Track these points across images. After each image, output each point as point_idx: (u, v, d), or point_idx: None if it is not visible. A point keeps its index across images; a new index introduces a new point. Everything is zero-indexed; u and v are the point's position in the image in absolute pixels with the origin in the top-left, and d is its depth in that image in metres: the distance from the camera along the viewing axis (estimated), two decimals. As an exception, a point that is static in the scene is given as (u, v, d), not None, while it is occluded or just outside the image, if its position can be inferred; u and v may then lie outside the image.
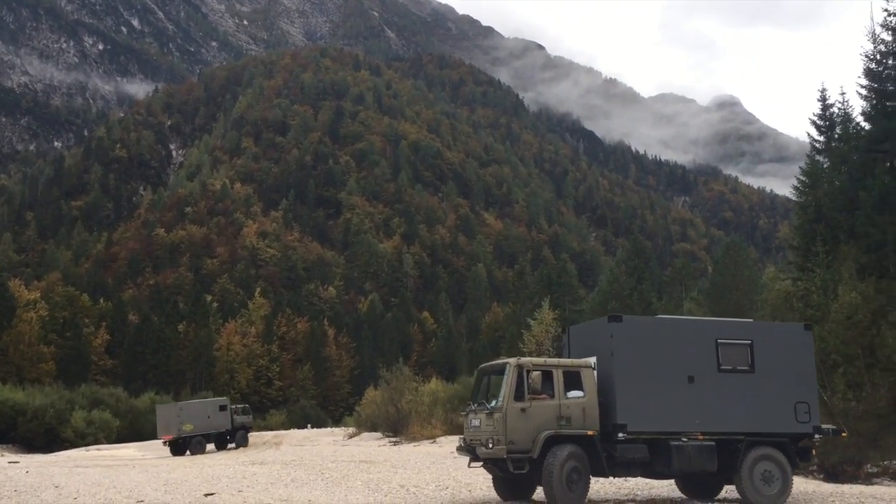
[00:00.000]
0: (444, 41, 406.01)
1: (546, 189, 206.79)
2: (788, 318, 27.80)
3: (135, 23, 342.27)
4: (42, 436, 59.47)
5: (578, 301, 69.61)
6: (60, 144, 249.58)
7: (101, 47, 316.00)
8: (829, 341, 23.25)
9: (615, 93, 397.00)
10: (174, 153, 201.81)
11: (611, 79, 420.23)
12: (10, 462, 35.54)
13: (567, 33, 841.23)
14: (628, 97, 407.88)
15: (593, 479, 15.71)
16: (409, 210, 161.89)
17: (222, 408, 47.70)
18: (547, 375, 15.19)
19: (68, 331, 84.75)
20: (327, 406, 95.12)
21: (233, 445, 47.15)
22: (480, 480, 19.18)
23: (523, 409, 14.80)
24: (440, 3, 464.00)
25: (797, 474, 22.09)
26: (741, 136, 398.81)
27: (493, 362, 16.54)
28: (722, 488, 16.82)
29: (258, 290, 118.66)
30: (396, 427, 43.68)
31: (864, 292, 24.26)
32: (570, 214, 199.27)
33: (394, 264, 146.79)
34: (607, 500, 16.17)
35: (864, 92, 30.36)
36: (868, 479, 21.09)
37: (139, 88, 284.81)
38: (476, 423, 15.64)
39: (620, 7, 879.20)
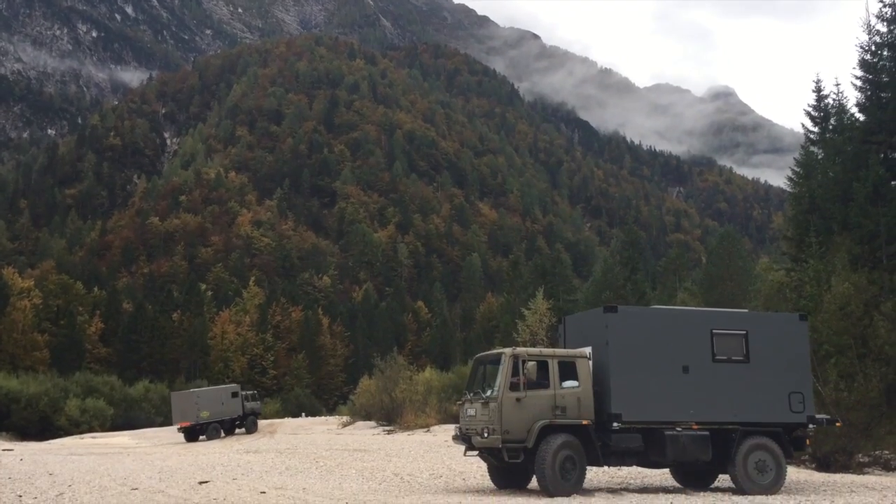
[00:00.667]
0: (440, 30, 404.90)
1: (541, 179, 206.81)
2: (781, 309, 27.91)
3: (129, 10, 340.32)
4: (36, 423, 59.43)
5: (573, 291, 69.62)
6: (54, 132, 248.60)
7: (94, 34, 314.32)
8: (821, 332, 23.35)
9: (610, 83, 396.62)
10: (168, 141, 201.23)
11: (606, 69, 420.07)
12: (4, 450, 35.53)
13: (562, 23, 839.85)
14: (623, 87, 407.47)
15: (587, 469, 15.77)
16: (404, 199, 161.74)
17: (234, 394, 48.66)
18: (542, 365, 15.26)
19: (62, 319, 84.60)
20: (321, 395, 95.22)
21: (241, 430, 47.84)
22: (474, 469, 19.27)
23: (518, 399, 14.87)
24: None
25: (789, 464, 22.25)
26: (736, 126, 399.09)
27: (489, 352, 16.61)
28: (716, 478, 16.91)
29: (252, 278, 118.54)
30: (390, 416, 43.77)
31: (856, 283, 24.37)
32: (565, 204, 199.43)
33: (388, 254, 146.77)
34: (600, 489, 16.25)
35: (858, 83, 30.42)
36: (859, 469, 21.22)
37: (133, 76, 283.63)
38: (472, 412, 15.71)
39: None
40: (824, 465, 21.35)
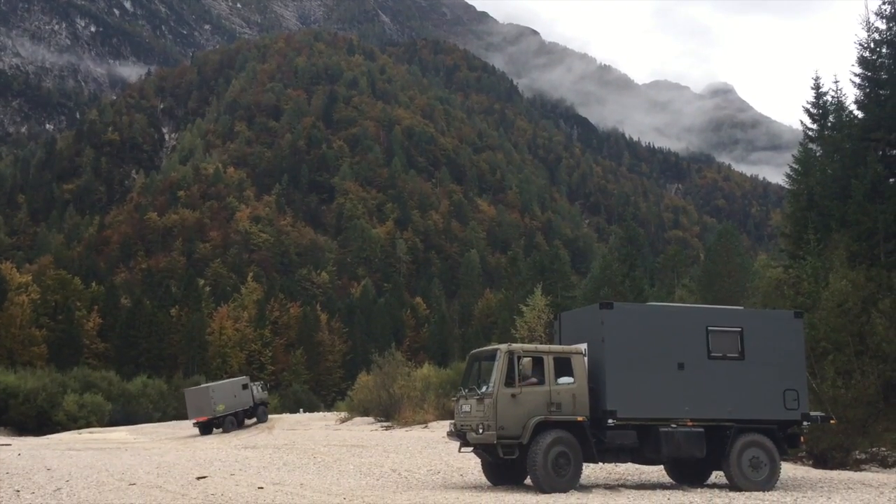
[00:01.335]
0: (439, 26, 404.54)
1: (539, 175, 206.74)
2: (779, 306, 27.93)
3: (127, 5, 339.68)
4: (34, 419, 59.38)
5: (571, 288, 69.72)
6: (52, 127, 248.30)
7: (93, 29, 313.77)
8: (819, 329, 23.37)
9: (609, 79, 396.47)
10: (167, 137, 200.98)
11: (605, 65, 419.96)
12: (2, 445, 35.53)
13: (561, 19, 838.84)
14: (622, 84, 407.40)
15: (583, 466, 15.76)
16: (403, 195, 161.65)
17: (244, 386, 49.48)
18: (537, 362, 15.28)
19: (60, 314, 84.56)
20: (319, 391, 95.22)
21: (253, 421, 48.53)
22: (472, 465, 19.28)
23: (514, 395, 14.87)
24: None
25: (786, 461, 22.27)
26: (735, 123, 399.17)
27: (485, 348, 16.62)
28: (710, 474, 16.93)
29: (251, 274, 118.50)
30: (388, 412, 43.75)
31: (854, 280, 24.38)
32: (564, 201, 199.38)
33: (387, 250, 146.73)
34: (598, 485, 16.27)
35: (857, 80, 30.42)
36: (856, 466, 21.26)
37: (132, 71, 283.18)
38: (467, 408, 15.70)
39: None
40: (821, 462, 21.38)
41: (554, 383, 15.16)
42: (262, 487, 16.14)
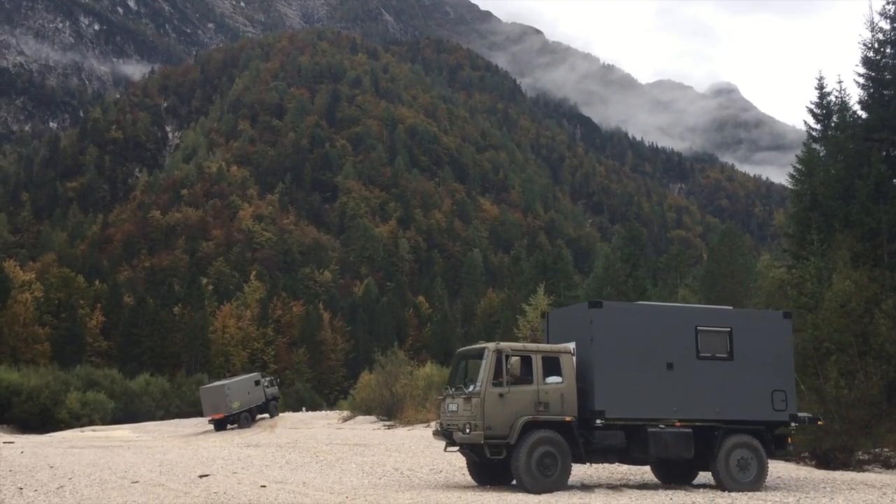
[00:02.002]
0: (442, 25, 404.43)
1: (542, 175, 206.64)
2: (782, 306, 27.88)
3: (131, 3, 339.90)
4: (37, 416, 59.48)
5: (573, 287, 69.56)
6: (56, 125, 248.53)
7: (97, 28, 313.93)
8: (822, 329, 23.31)
9: (612, 79, 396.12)
10: (170, 135, 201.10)
11: (608, 65, 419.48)
12: (4, 442, 35.58)
13: (564, 18, 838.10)
14: (625, 83, 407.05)
15: (585, 465, 15.74)
16: (405, 194, 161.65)
17: (257, 382, 50.50)
18: (526, 361, 15.11)
19: (63, 312, 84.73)
20: (322, 389, 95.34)
21: (265, 416, 49.52)
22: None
23: (501, 395, 14.71)
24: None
25: (788, 461, 22.24)
26: (738, 123, 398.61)
27: (472, 346, 16.42)
28: (696, 475, 16.83)
29: (254, 273, 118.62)
30: (391, 411, 43.79)
31: (857, 281, 24.32)
32: (567, 200, 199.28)
33: (389, 248, 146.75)
34: (600, 485, 16.26)
35: (861, 80, 30.34)
36: (859, 466, 21.23)
37: (135, 70, 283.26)
38: (453, 407, 15.54)
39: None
40: (824, 463, 21.36)
41: (542, 383, 15.01)
42: (264, 486, 16.16)
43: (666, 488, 15.96)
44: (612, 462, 16.11)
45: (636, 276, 57.17)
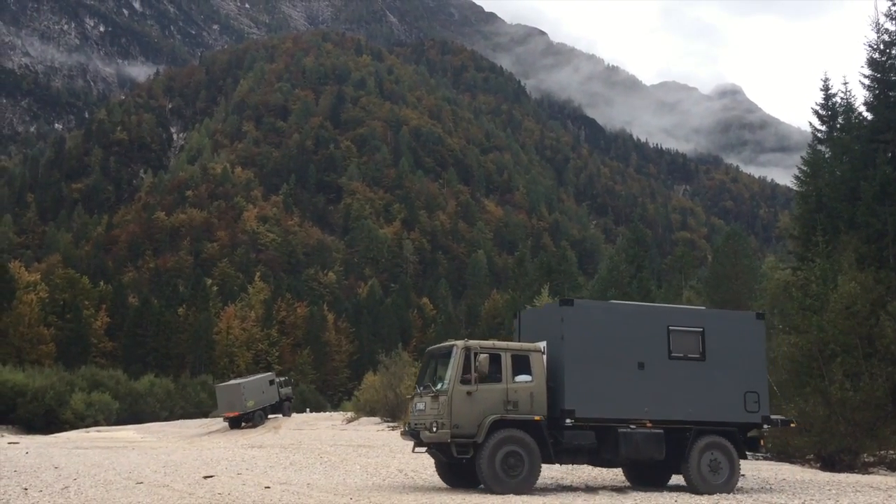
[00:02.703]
0: (447, 27, 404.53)
1: (547, 176, 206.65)
2: (787, 308, 27.85)
3: (136, 5, 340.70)
4: (42, 417, 59.63)
5: (578, 288, 69.55)
6: (61, 126, 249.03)
7: (102, 29, 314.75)
8: (827, 331, 23.25)
9: (617, 80, 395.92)
10: (175, 136, 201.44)
11: (612, 66, 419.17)
12: (9, 443, 35.66)
13: (568, 19, 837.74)
14: (630, 85, 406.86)
15: (591, 468, 15.63)
16: (410, 196, 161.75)
17: (271, 382, 51.22)
18: (495, 359, 14.88)
19: (68, 313, 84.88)
20: (326, 390, 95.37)
21: (278, 415, 50.13)
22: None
23: (469, 393, 14.51)
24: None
25: (793, 463, 22.21)
26: (743, 124, 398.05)
27: (441, 344, 16.17)
28: (670, 477, 16.62)
29: (258, 274, 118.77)
30: (395, 412, 43.76)
31: (863, 282, 24.25)
32: (571, 202, 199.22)
33: (394, 250, 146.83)
34: (605, 487, 16.24)
35: (866, 82, 30.27)
36: (864, 469, 21.19)
37: (140, 71, 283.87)
38: (421, 406, 15.37)
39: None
40: (829, 465, 21.32)
41: (511, 381, 14.81)
42: (268, 487, 16.16)
43: (670, 490, 15.93)
44: (582, 463, 15.86)
45: (641, 278, 57.17)
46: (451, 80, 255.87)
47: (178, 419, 64.37)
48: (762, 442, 16.94)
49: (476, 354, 14.70)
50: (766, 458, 23.95)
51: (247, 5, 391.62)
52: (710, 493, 15.02)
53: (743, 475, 18.50)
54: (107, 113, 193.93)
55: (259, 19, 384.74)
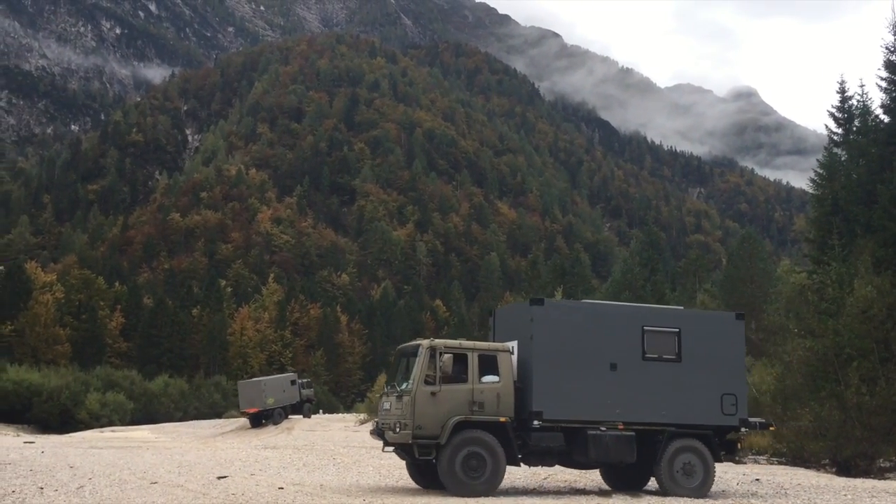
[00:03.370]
0: (461, 29, 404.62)
1: (560, 179, 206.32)
2: (802, 312, 27.68)
3: (152, 7, 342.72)
4: (57, 417, 60.05)
5: (591, 292, 69.38)
6: (77, 128, 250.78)
7: (118, 31, 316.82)
8: (843, 335, 23.12)
9: (631, 82, 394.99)
10: (190, 138, 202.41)
11: (626, 68, 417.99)
12: (25, 442, 35.92)
13: (582, 21, 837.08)
14: (644, 87, 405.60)
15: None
16: (423, 198, 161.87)
17: (292, 382, 52.00)
18: (461, 359, 14.71)
19: (84, 313, 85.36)
20: (339, 392, 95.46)
21: (298, 416, 50.39)
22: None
23: (433, 393, 14.34)
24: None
25: (808, 468, 22.05)
26: (758, 127, 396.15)
27: (409, 343, 16.04)
28: (648, 479, 16.39)
29: (272, 275, 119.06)
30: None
31: (879, 286, 24.08)
32: (585, 204, 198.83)
33: (407, 252, 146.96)
34: (617, 491, 16.17)
35: (883, 84, 30.10)
36: (880, 474, 21.03)
37: (156, 73, 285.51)
38: (387, 405, 15.26)
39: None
40: (845, 470, 21.16)
41: (477, 382, 14.63)
42: (282, 488, 16.21)
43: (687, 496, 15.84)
44: (551, 465, 15.65)
45: (654, 281, 56.99)
46: (464, 83, 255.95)
47: (192, 420, 64.65)
48: (740, 445, 16.62)
49: (441, 354, 14.52)
50: (781, 463, 23.82)
51: (261, 8, 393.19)
52: (683, 496, 14.78)
53: (757, 479, 18.40)
54: (122, 115, 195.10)
55: (274, 22, 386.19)
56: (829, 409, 21.61)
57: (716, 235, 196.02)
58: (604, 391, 15.14)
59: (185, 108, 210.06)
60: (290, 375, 54.30)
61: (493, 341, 16.09)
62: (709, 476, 15.29)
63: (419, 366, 14.56)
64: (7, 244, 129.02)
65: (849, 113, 33.62)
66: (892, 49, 29.67)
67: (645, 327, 15.49)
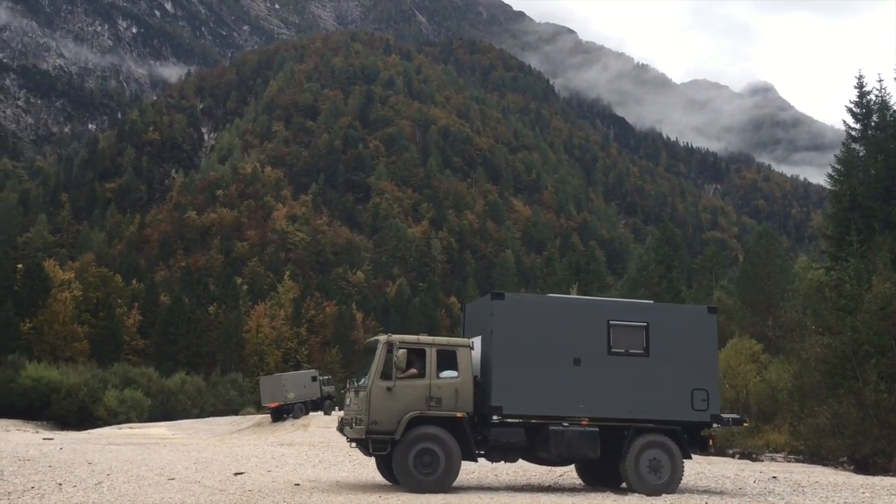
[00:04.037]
0: (475, 26, 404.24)
1: (575, 175, 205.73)
2: (820, 308, 27.51)
3: (168, 6, 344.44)
4: (75, 413, 60.54)
5: (606, 289, 69.13)
6: (94, 127, 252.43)
7: (134, 31, 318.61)
8: (861, 332, 22.96)
9: (646, 78, 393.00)
10: (206, 136, 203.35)
11: (642, 64, 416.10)
12: (44, 439, 36.22)
13: (597, 17, 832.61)
14: (660, 83, 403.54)
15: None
16: (438, 195, 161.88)
17: (313, 378, 52.90)
18: (419, 354, 14.68)
19: (102, 311, 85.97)
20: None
21: (317, 413, 50.87)
22: (507, 465, 19.22)
23: (389, 389, 14.31)
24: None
25: (825, 465, 21.91)
26: (775, 123, 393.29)
27: (372, 339, 16.00)
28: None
29: (287, 273, 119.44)
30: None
31: (898, 283, 23.91)
32: (600, 201, 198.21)
33: (422, 249, 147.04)
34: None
35: (902, 79, 29.79)
36: (899, 472, 20.83)
37: (172, 72, 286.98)
38: (348, 401, 15.29)
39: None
40: (863, 468, 21.02)
41: (435, 377, 14.58)
42: (298, 484, 16.27)
43: (699, 493, 15.80)
44: (512, 460, 15.47)
45: (670, 278, 56.72)
46: (479, 80, 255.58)
47: (208, 416, 64.97)
48: (711, 442, 16.31)
49: (396, 349, 14.52)
50: (798, 461, 23.67)
51: (276, 6, 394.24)
52: (650, 493, 14.58)
53: (774, 477, 18.30)
54: (139, 113, 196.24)
55: (289, 20, 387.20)
56: (847, 406, 21.49)
57: (732, 232, 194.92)
58: (566, 386, 14.98)
59: (201, 106, 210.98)
60: (311, 372, 55.08)
61: (464, 335, 16.05)
62: (676, 472, 15.06)
63: (376, 361, 14.59)
64: (26, 242, 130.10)
65: (867, 108, 33.37)
66: (911, 43, 29.35)
67: (611, 322, 15.30)
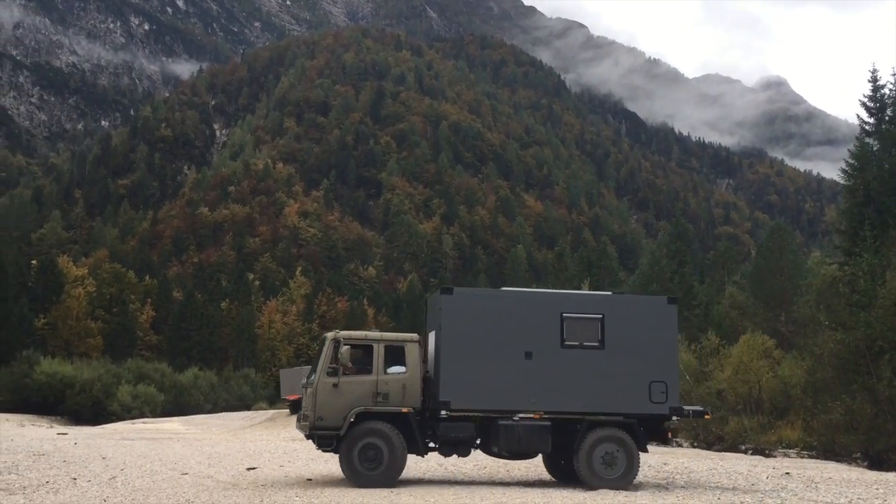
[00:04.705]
0: (486, 21, 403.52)
1: (587, 171, 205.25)
2: (834, 304, 27.38)
3: (180, 3, 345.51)
4: (89, 408, 60.85)
5: (618, 284, 68.88)
6: (107, 123, 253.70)
7: (147, 27, 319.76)
8: (875, 327, 22.84)
9: (658, 73, 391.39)
10: (218, 133, 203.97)
11: (653, 59, 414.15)
12: (58, 433, 36.49)
13: (608, 12, 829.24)
14: (671, 77, 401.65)
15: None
16: (449, 191, 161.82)
17: None
18: (366, 350, 14.78)
19: (115, 307, 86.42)
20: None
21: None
22: (518, 462, 19.23)
23: (335, 385, 14.44)
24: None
25: (839, 462, 21.82)
26: (788, 117, 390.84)
27: (324, 335, 16.06)
28: None
29: (299, 269, 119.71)
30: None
31: (913, 278, 23.76)
32: (612, 196, 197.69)
33: (433, 245, 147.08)
34: (647, 483, 16.10)
35: (917, 73, 29.56)
36: (913, 468, 20.72)
37: (184, 68, 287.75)
38: (303, 397, 15.47)
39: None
40: (876, 464, 20.94)
41: (382, 373, 14.65)
42: (310, 479, 16.34)
43: (713, 488, 15.76)
44: (464, 455, 15.35)
45: (682, 273, 56.51)
46: (490, 75, 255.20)
47: (221, 412, 65.27)
48: (670, 434, 16.07)
49: (341, 346, 14.63)
50: (811, 457, 23.59)
51: (288, 2, 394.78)
52: (604, 488, 14.45)
53: (787, 473, 18.25)
54: (151, 110, 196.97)
55: (300, 16, 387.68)
56: (861, 402, 21.39)
57: (745, 227, 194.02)
58: (517, 380, 14.89)
59: (213, 102, 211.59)
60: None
61: (426, 329, 16.10)
62: (632, 466, 14.86)
63: (323, 357, 14.79)
64: (40, 239, 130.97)
65: (881, 102, 33.15)
66: (926, 37, 29.13)
67: (564, 314, 15.19)
